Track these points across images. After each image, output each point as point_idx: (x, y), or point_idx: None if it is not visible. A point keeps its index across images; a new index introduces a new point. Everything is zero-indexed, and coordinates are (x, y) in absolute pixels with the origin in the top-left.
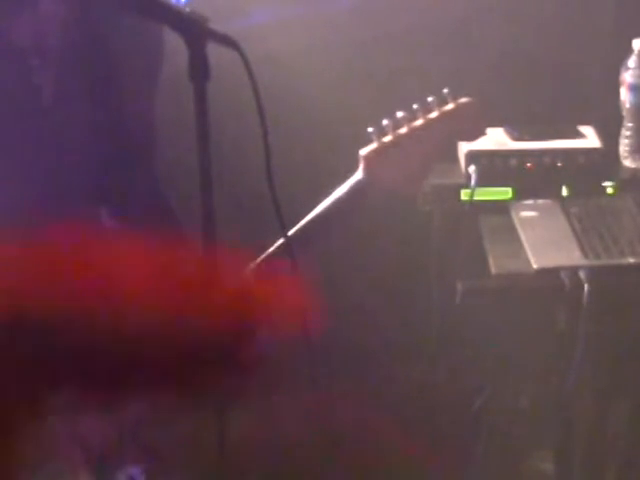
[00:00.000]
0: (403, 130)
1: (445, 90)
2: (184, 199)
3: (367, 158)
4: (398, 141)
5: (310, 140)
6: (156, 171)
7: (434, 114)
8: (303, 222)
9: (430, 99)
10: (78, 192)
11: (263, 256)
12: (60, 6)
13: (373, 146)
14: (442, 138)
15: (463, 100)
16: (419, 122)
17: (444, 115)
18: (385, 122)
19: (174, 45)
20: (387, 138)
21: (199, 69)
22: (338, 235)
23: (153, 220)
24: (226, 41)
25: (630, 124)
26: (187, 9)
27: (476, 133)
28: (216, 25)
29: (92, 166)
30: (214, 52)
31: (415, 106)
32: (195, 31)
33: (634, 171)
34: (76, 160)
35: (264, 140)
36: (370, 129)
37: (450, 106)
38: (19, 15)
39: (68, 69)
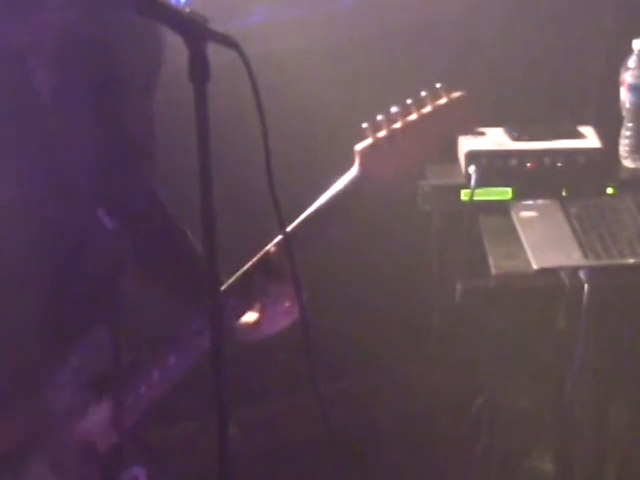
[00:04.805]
0: (397, 125)
1: (438, 85)
2: (184, 199)
3: (362, 153)
4: (392, 136)
5: (310, 140)
6: (155, 172)
7: (427, 109)
8: (300, 219)
9: (423, 94)
10: (77, 192)
11: (260, 253)
12: (61, 7)
13: (368, 141)
14: (436, 132)
15: (456, 94)
16: (413, 117)
17: (437, 109)
18: (379, 117)
19: (174, 45)
20: (381, 133)
21: (199, 69)
22: (335, 231)
23: (151, 220)
24: (226, 41)
25: (630, 124)
26: (187, 9)
27: (469, 126)
28: (216, 25)
29: (91, 166)
30: (214, 52)
31: (409, 101)
32: (195, 31)
33: (634, 171)
34: (75, 160)
35: (264, 140)
36: (365, 125)
37: (443, 100)
38: (18, 16)
39: (66, 69)
